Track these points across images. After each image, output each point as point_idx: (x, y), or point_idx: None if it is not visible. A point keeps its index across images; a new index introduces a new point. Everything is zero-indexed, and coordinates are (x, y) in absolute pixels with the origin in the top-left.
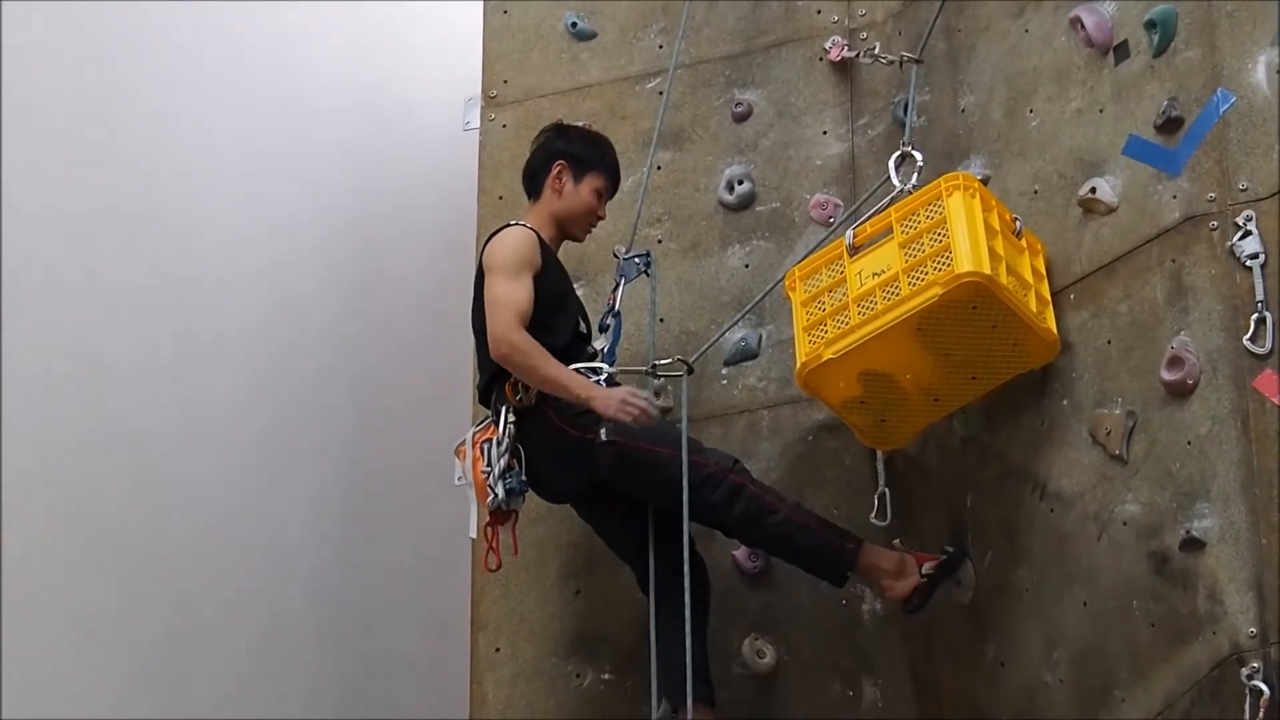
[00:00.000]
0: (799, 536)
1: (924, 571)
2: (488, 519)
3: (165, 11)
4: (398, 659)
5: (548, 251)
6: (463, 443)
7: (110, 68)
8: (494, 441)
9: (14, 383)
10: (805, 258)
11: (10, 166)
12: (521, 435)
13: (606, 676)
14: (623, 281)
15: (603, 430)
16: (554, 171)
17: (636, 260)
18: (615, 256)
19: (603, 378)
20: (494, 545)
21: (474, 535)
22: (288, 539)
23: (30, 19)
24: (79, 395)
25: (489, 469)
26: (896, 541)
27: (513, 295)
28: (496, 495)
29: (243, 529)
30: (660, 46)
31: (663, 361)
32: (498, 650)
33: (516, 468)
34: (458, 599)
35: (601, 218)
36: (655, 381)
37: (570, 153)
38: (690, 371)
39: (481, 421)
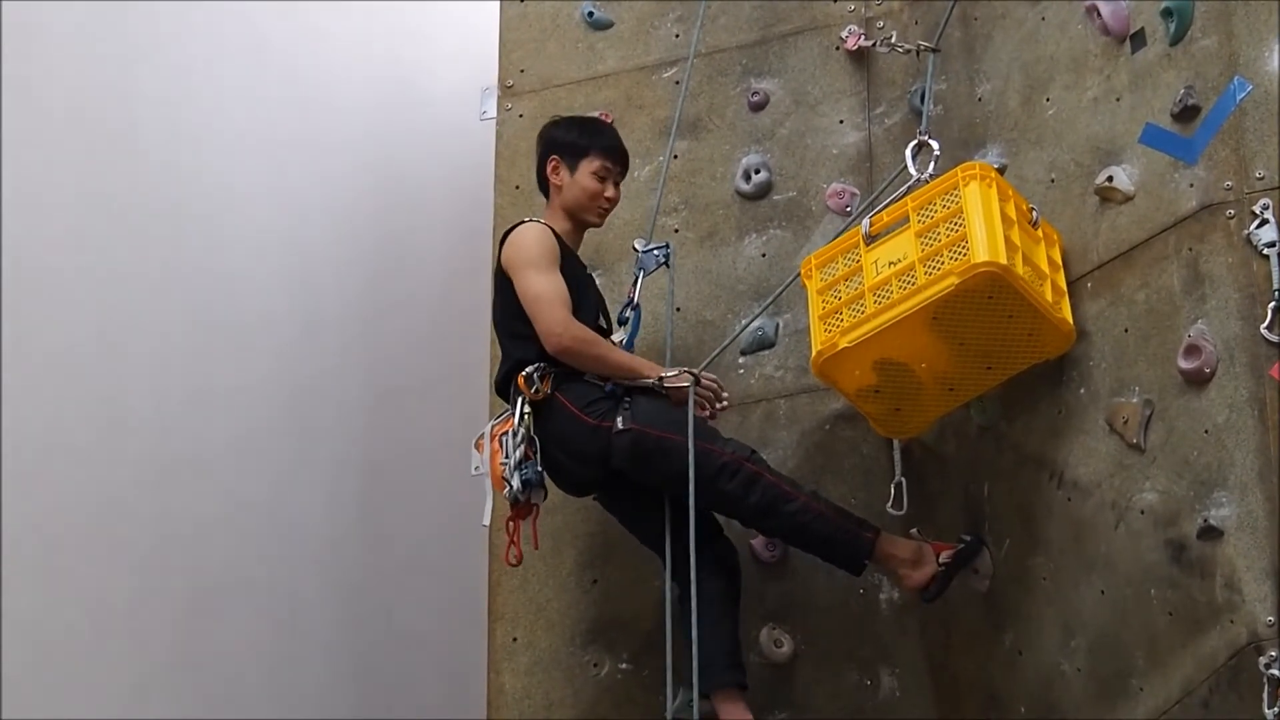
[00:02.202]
0: (816, 525)
1: (941, 560)
2: (508, 513)
3: (184, 2)
4: (416, 649)
5: (564, 247)
6: (482, 436)
7: (131, 61)
8: (510, 433)
9: (33, 367)
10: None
11: (35, 159)
12: (539, 426)
13: (624, 665)
14: (641, 274)
15: (619, 419)
16: (550, 167)
17: (656, 252)
18: (634, 249)
19: (610, 384)
20: (515, 539)
21: (486, 523)
22: (305, 528)
23: (52, 16)
24: (98, 381)
25: (506, 460)
26: (914, 531)
27: (554, 288)
28: (512, 486)
29: (260, 518)
30: (677, 36)
31: (668, 374)
32: (515, 640)
33: (533, 458)
34: (475, 589)
35: (610, 198)
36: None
37: (561, 143)
38: (696, 383)
39: (500, 414)
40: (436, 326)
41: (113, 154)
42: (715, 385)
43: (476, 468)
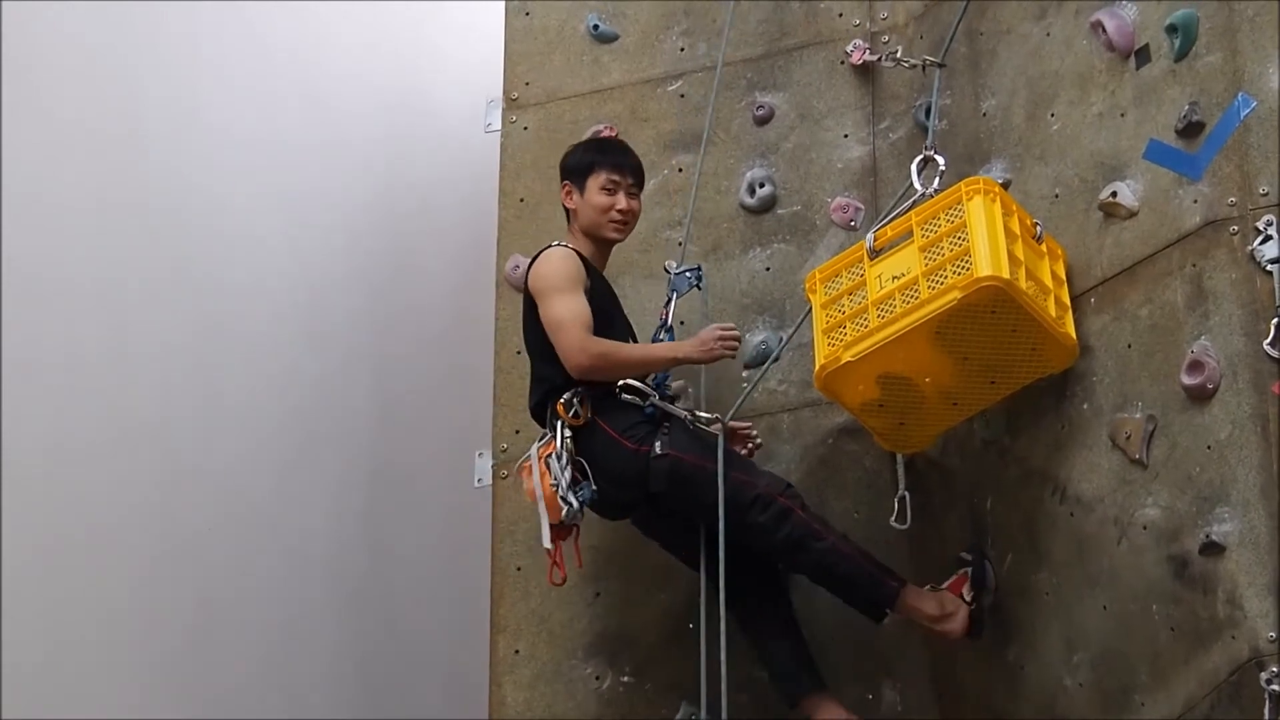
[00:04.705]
0: (842, 567)
1: (967, 598)
2: (548, 535)
3: (192, 13)
4: (418, 660)
5: (590, 271)
6: (527, 458)
7: (139, 69)
8: (554, 456)
9: (39, 375)
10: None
11: (40, 164)
12: (579, 449)
13: (626, 679)
14: (674, 296)
15: (657, 444)
16: (563, 192)
17: (688, 274)
18: (666, 271)
19: (648, 405)
20: (558, 560)
21: (549, 546)
22: (309, 538)
23: (58, 19)
24: (103, 389)
25: (556, 482)
26: (928, 587)
27: (575, 311)
28: (571, 507)
29: (264, 529)
30: (682, 49)
31: (702, 415)
32: (517, 652)
33: (582, 480)
34: (478, 600)
35: (624, 210)
36: (687, 394)
37: (569, 167)
38: (725, 428)
39: (542, 437)
40: (441, 337)
41: (119, 163)
42: (746, 430)
43: (479, 480)
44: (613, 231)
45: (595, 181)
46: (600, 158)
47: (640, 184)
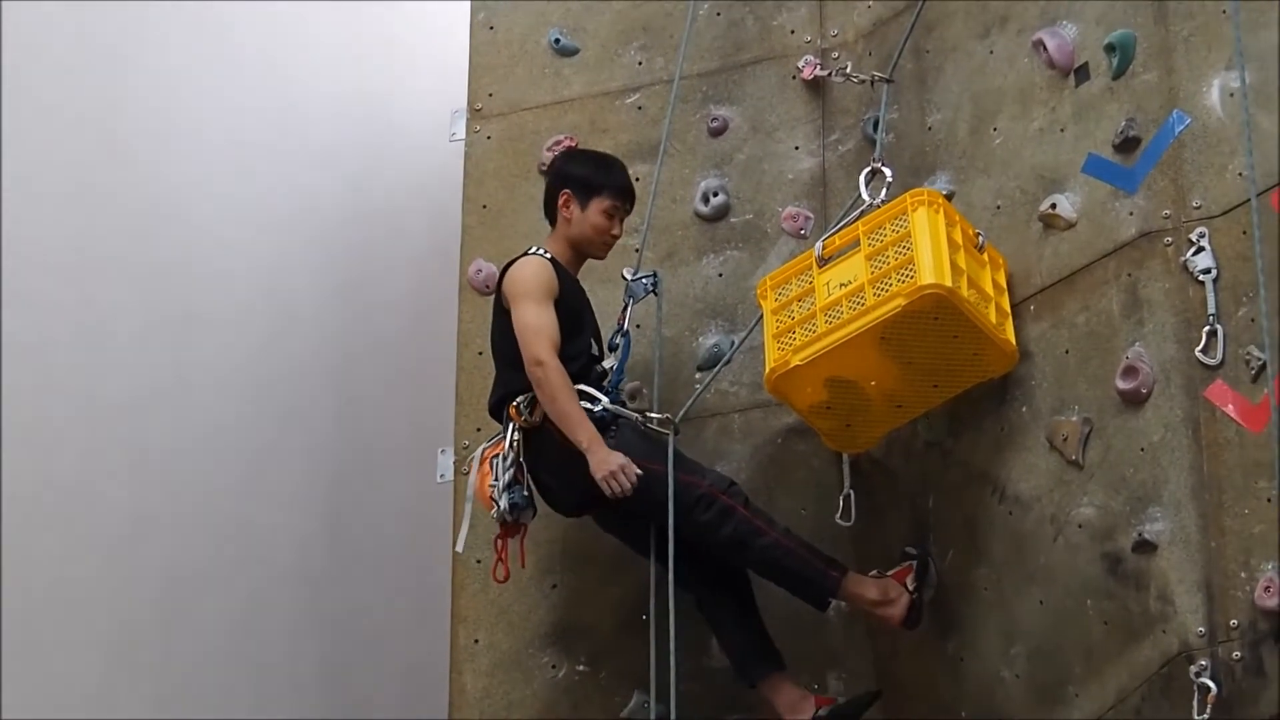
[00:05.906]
0: (785, 560)
1: (910, 588)
2: (498, 531)
3: (160, 21)
4: (382, 649)
5: (564, 275)
6: (472, 458)
7: (108, 80)
8: (500, 457)
9: (12, 363)
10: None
11: (23, 156)
12: (531, 451)
13: (581, 667)
14: (631, 302)
15: None
16: (561, 199)
17: (644, 280)
18: (623, 278)
19: (600, 408)
20: (503, 556)
21: (460, 550)
22: (276, 531)
23: (28, 28)
24: (76, 387)
25: (495, 483)
26: (874, 572)
27: (544, 322)
28: (500, 506)
29: (232, 523)
30: (640, 63)
31: (653, 415)
32: (476, 641)
33: (521, 482)
34: (439, 591)
35: (616, 235)
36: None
37: (575, 178)
38: (676, 433)
39: (492, 438)
40: (406, 337)
41: (100, 157)
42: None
43: (442, 475)
44: (602, 251)
45: (599, 204)
46: (609, 180)
47: (631, 210)
